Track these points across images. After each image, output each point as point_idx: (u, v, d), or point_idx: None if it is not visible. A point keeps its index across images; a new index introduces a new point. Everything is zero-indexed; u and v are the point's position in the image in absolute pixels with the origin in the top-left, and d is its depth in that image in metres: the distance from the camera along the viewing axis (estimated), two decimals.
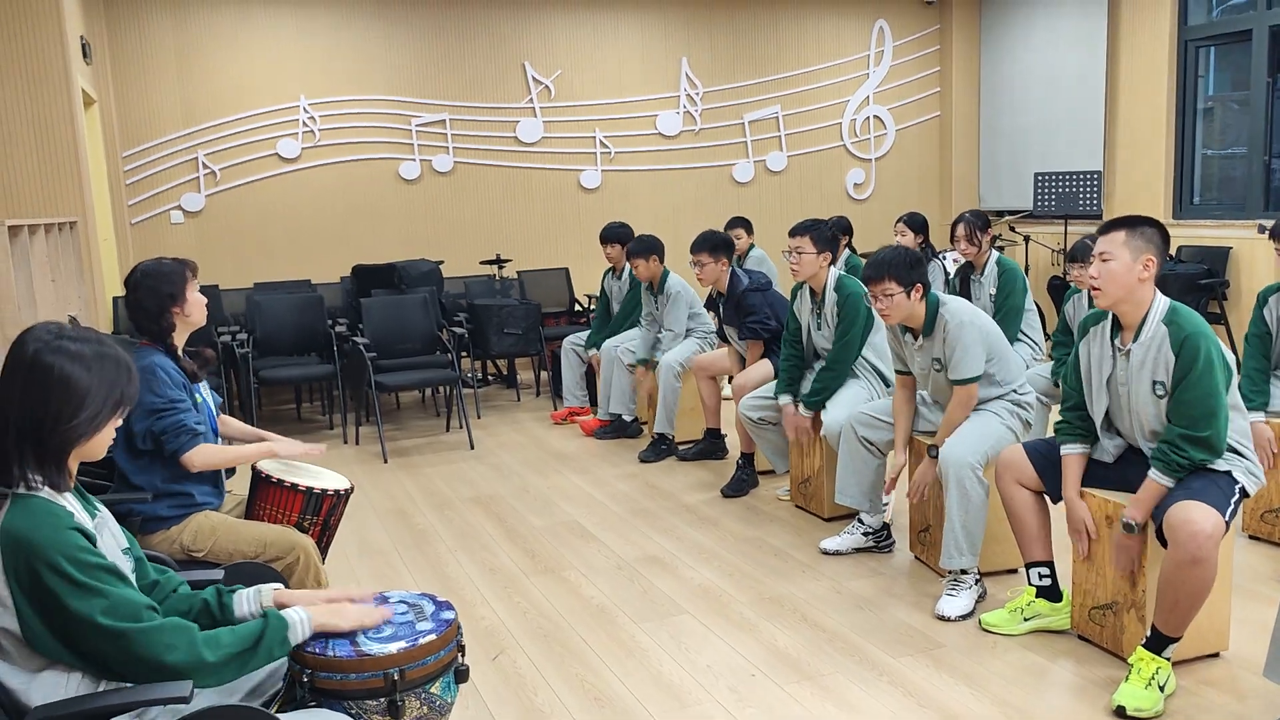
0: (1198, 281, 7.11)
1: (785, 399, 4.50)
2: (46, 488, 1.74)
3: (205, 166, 7.58)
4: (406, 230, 8.11)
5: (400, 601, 2.10)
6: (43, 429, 1.72)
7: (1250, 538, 4.01)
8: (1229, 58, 7.83)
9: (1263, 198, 7.45)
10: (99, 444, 1.80)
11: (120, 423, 1.83)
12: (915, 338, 3.67)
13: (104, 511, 1.90)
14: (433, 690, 1.94)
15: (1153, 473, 2.83)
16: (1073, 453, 3.11)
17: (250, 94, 7.63)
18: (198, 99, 7.52)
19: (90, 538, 1.74)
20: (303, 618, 1.89)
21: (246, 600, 2.01)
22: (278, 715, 1.77)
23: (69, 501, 1.78)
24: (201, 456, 2.89)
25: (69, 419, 1.74)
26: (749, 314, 4.94)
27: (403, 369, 6.22)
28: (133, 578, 1.84)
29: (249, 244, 7.73)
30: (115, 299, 6.95)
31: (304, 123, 7.76)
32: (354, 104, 7.89)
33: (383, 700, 1.88)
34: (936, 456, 3.57)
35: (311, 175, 7.85)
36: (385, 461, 5.80)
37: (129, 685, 1.71)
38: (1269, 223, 6.98)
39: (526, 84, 8.30)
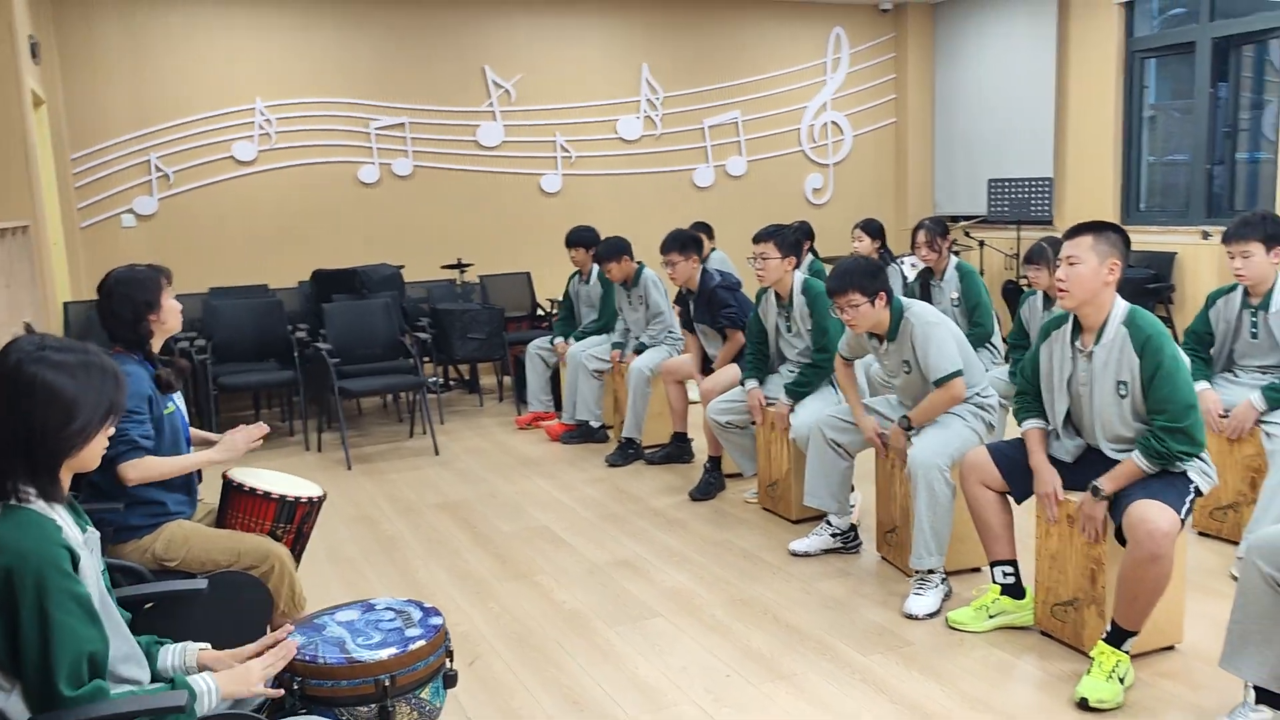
0: (1145, 286, 7.31)
1: (752, 383, 4.58)
2: (39, 500, 1.72)
3: (158, 169, 7.47)
4: (366, 234, 8.06)
5: (387, 609, 2.12)
6: (31, 441, 1.71)
7: (1200, 534, 4.15)
8: (1168, 67, 8.06)
9: (1205, 204, 7.68)
10: (91, 454, 1.78)
11: (112, 432, 1.81)
12: (881, 343, 3.75)
13: (94, 530, 1.87)
14: (422, 695, 1.96)
15: (1136, 455, 2.93)
16: (1034, 427, 3.22)
17: (204, 96, 7.54)
18: (150, 100, 7.41)
19: (75, 557, 1.72)
20: (210, 687, 1.83)
21: (172, 655, 1.98)
22: None
23: (60, 515, 1.76)
24: (136, 471, 2.79)
25: (57, 430, 1.72)
26: (723, 306, 5.00)
27: (366, 374, 6.19)
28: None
29: (203, 248, 7.63)
30: (66, 304, 6.83)
31: (260, 125, 7.69)
32: (311, 106, 7.83)
33: (374, 706, 1.90)
34: (908, 427, 3.66)
35: (268, 178, 7.77)
36: (349, 468, 5.77)
37: (126, 693, 1.70)
38: (1213, 228, 7.23)
39: (487, 87, 8.29)
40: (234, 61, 7.58)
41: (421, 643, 1.96)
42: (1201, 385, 3.96)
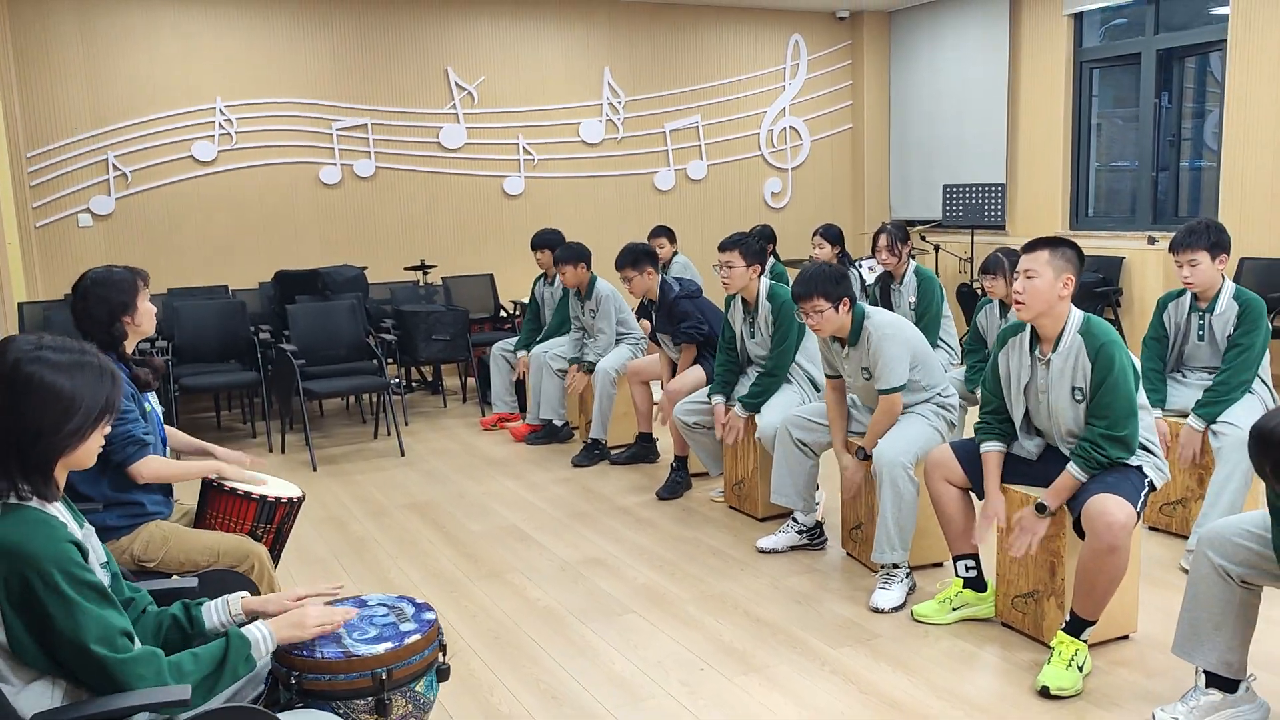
0: (1094, 290, 7.53)
1: (718, 399, 4.65)
2: (35, 498, 1.75)
3: (116, 168, 7.38)
4: (327, 235, 8.04)
5: (380, 604, 2.16)
6: (25, 439, 1.73)
7: (1150, 529, 4.30)
8: (1114, 77, 8.32)
9: (1151, 210, 7.93)
10: (87, 453, 1.81)
11: (108, 430, 1.84)
12: (843, 347, 3.85)
13: (89, 525, 1.91)
14: (417, 689, 2.01)
15: (1071, 467, 3.05)
16: (991, 450, 3.33)
17: (164, 95, 7.47)
18: (108, 99, 7.33)
19: (83, 551, 1.76)
20: (265, 634, 1.90)
21: (215, 611, 2.03)
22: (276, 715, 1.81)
23: (60, 512, 1.79)
24: (150, 468, 2.86)
25: (53, 429, 1.74)
26: (682, 319, 5.08)
27: (331, 375, 6.17)
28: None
29: (162, 249, 7.56)
30: (21, 305, 6.72)
31: (220, 125, 7.63)
32: (272, 107, 7.79)
33: (370, 699, 1.94)
34: (865, 458, 3.76)
35: (228, 179, 7.72)
36: (314, 470, 5.76)
37: (127, 691, 1.73)
38: (1159, 234, 7.47)
39: (450, 89, 8.31)
40: (194, 61, 7.52)
41: (416, 637, 2.00)
42: (1155, 413, 4.05)
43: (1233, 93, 7.05)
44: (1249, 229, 6.95)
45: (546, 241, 6.33)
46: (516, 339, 6.59)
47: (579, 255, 5.82)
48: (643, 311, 5.58)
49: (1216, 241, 3.97)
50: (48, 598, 1.69)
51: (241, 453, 3.14)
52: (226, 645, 1.85)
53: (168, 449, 3.11)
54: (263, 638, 1.90)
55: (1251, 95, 6.94)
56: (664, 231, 7.23)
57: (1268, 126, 6.87)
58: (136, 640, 1.79)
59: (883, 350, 3.69)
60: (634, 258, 5.23)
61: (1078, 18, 8.20)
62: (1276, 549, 2.48)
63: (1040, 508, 3.11)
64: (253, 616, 2.04)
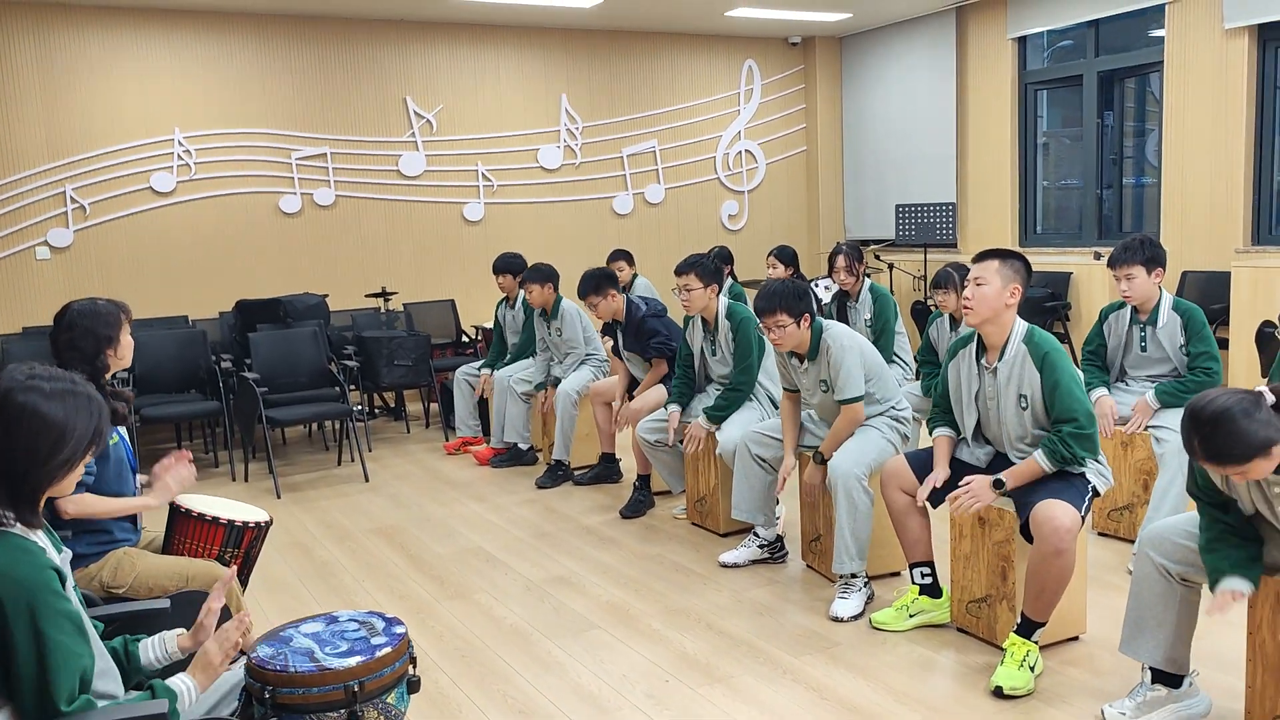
0: (1043, 305, 7.73)
1: (674, 408, 4.75)
2: (19, 524, 1.78)
3: (74, 200, 7.36)
4: (288, 264, 8.05)
5: (351, 620, 2.21)
6: (17, 467, 1.76)
7: (1099, 534, 4.45)
8: (1059, 98, 8.58)
9: (1096, 226, 8.16)
10: (71, 481, 1.85)
11: (92, 460, 1.88)
12: (801, 361, 3.96)
13: (66, 550, 1.94)
14: (389, 700, 2.06)
15: (1038, 455, 3.18)
16: (943, 434, 3.50)
17: (121, 126, 7.46)
18: (64, 131, 7.31)
19: (62, 577, 1.79)
20: (188, 686, 1.91)
21: (151, 648, 2.07)
22: None
23: (40, 539, 1.82)
24: (76, 506, 2.82)
25: (45, 458, 1.77)
26: (651, 336, 5.17)
27: (293, 403, 6.18)
28: None
29: (121, 280, 7.53)
30: None
31: (179, 156, 7.63)
32: (232, 137, 7.80)
33: (343, 712, 1.99)
34: (823, 463, 3.86)
35: (187, 209, 7.71)
36: (278, 497, 5.76)
37: (111, 703, 1.76)
38: (1104, 250, 7.69)
39: (408, 118, 8.38)
40: (152, 92, 7.53)
41: (387, 649, 2.06)
42: (1100, 392, 4.27)
43: (1170, 112, 7.30)
44: (1189, 244, 7.19)
45: (508, 265, 6.40)
46: (481, 363, 6.64)
47: (546, 276, 5.90)
48: (607, 330, 5.65)
49: (1151, 256, 4.14)
50: (18, 624, 1.71)
51: (168, 472, 3.00)
52: (152, 694, 1.86)
53: (137, 478, 3.13)
54: (187, 690, 1.90)
55: (1188, 114, 7.20)
56: (622, 255, 7.33)
57: (1204, 144, 7.13)
58: (88, 684, 1.79)
59: (842, 362, 3.80)
60: (595, 284, 5.30)
61: (1021, 41, 8.45)
62: (1200, 531, 2.62)
63: (998, 483, 3.22)
64: (189, 654, 2.07)
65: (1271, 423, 2.25)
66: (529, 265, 6.10)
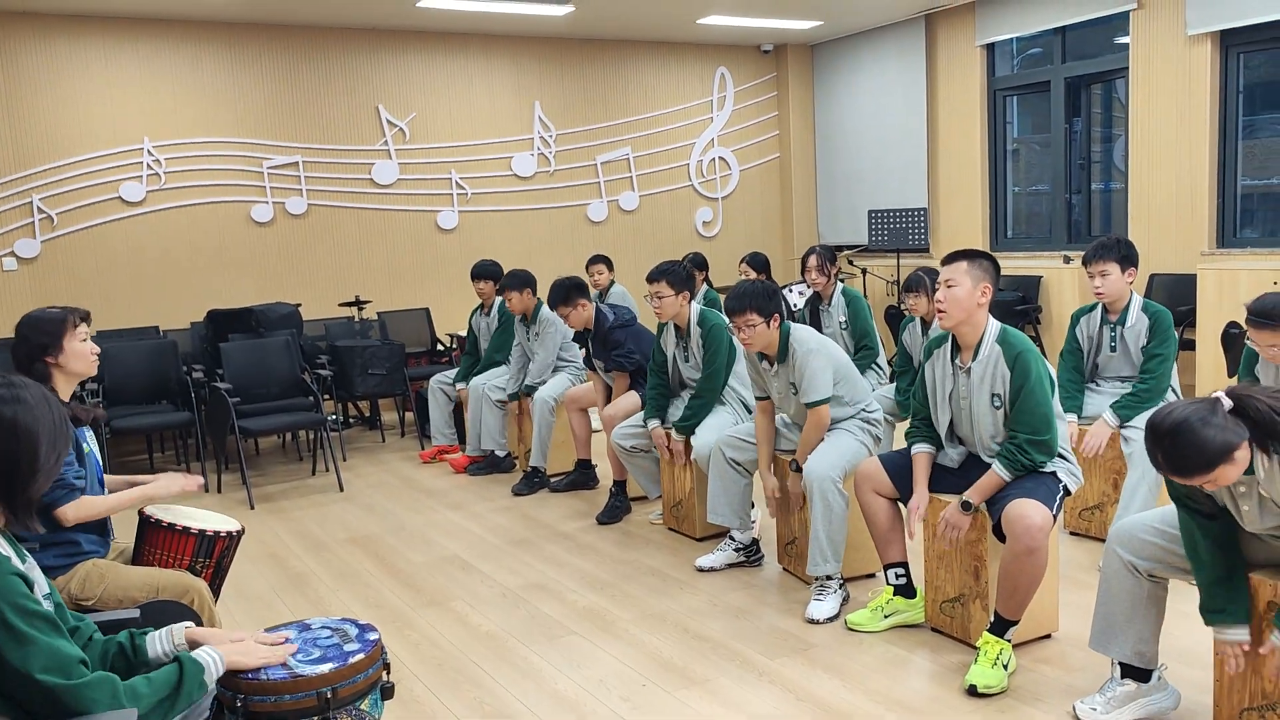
0: (1014, 308, 7.81)
1: (654, 423, 4.75)
2: None
3: (41, 211, 7.28)
4: (260, 273, 8.00)
5: (323, 627, 2.20)
6: (15, 478, 1.76)
7: (1071, 533, 4.49)
8: (1028, 104, 8.68)
9: (1066, 231, 8.26)
10: (42, 489, 1.83)
11: (77, 465, 1.87)
12: (771, 364, 3.98)
13: (31, 559, 1.92)
14: (362, 707, 2.05)
15: (996, 466, 3.21)
16: (920, 451, 3.50)
17: (89, 136, 7.40)
18: (31, 140, 7.24)
19: (29, 583, 1.78)
20: (215, 658, 1.95)
21: (159, 641, 2.06)
22: None
23: (2, 544, 1.80)
24: (76, 511, 2.79)
25: (29, 468, 1.77)
26: (615, 348, 5.17)
27: (266, 413, 6.14)
28: None
29: (90, 291, 7.45)
30: None
31: (148, 165, 7.57)
32: (202, 146, 7.75)
33: (316, 719, 1.98)
34: (799, 470, 3.88)
35: (157, 219, 7.65)
36: (252, 508, 5.71)
37: (82, 716, 1.75)
38: (1074, 253, 7.78)
39: (381, 126, 8.35)
40: (121, 100, 7.47)
41: (360, 656, 2.05)
42: (1070, 417, 4.26)
43: (1136, 118, 7.41)
44: (1156, 247, 7.29)
45: (486, 272, 6.39)
46: (456, 372, 6.62)
47: (523, 281, 5.90)
48: (577, 338, 5.66)
49: (1126, 255, 4.20)
50: None
51: (176, 473, 3.08)
52: (181, 669, 1.89)
53: (104, 487, 3.10)
54: (213, 661, 1.94)
55: (1153, 119, 7.30)
56: (601, 259, 7.35)
57: (1169, 149, 7.23)
58: (91, 666, 1.81)
59: (808, 364, 3.82)
60: (565, 294, 5.28)
61: (990, 48, 8.54)
62: (1182, 534, 2.64)
63: (965, 505, 3.25)
64: (194, 646, 2.06)
65: (1229, 427, 2.26)
66: (503, 274, 6.10)
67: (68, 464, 2.84)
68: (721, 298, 7.01)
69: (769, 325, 3.83)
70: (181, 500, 3.14)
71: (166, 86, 7.61)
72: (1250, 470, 2.35)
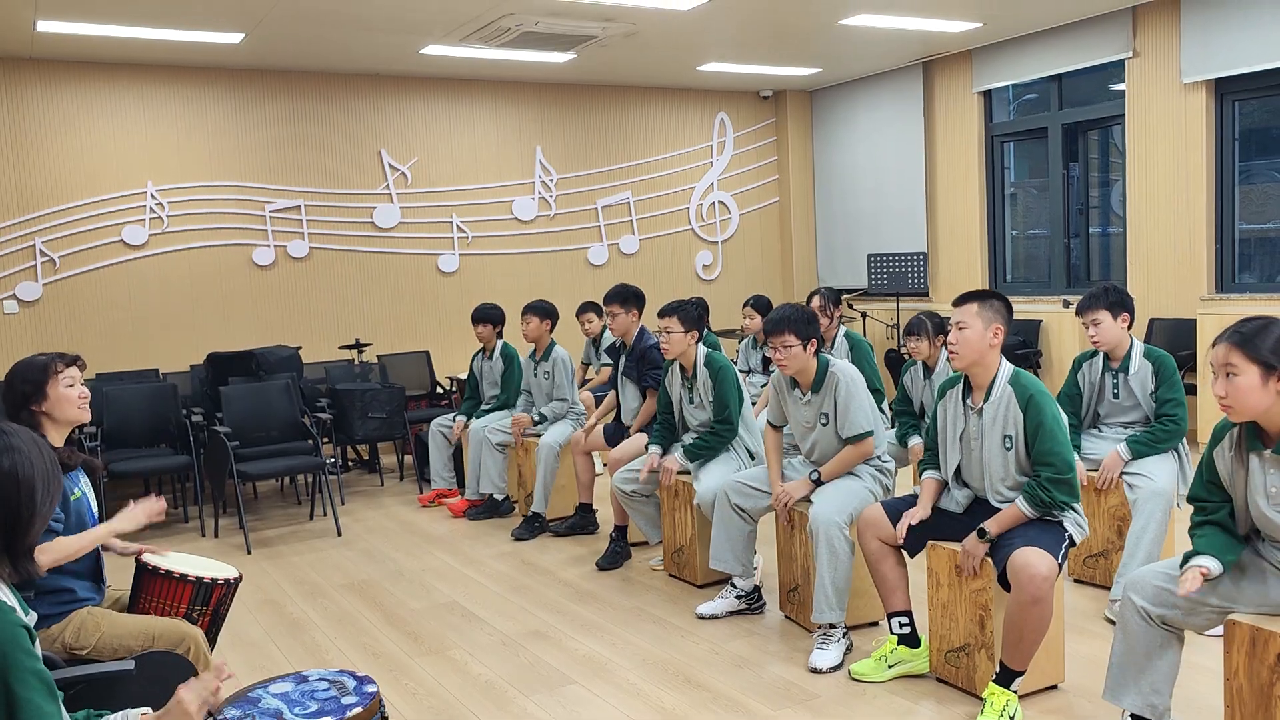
0: (1015, 352, 7.81)
1: (655, 448, 4.73)
2: None
3: (43, 254, 7.30)
4: (261, 316, 8.01)
5: (321, 679, 2.16)
6: (16, 526, 1.74)
7: (1075, 581, 4.44)
8: (1025, 149, 8.75)
9: (1065, 275, 8.29)
10: (37, 535, 1.82)
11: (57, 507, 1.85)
12: (804, 393, 3.96)
13: (32, 612, 1.89)
14: None
15: (1020, 501, 3.19)
16: (932, 477, 3.50)
17: (94, 180, 7.45)
18: (36, 184, 7.28)
19: (31, 635, 1.75)
20: None
21: None
22: None
23: (9, 597, 1.78)
24: (49, 554, 2.73)
25: (29, 516, 1.76)
26: (653, 367, 5.17)
27: (265, 457, 6.11)
28: None
29: (91, 333, 7.46)
30: None
31: (151, 209, 7.61)
32: (205, 190, 7.80)
33: None
34: (818, 480, 3.86)
35: (159, 262, 7.68)
36: (249, 553, 5.67)
37: None
38: (1073, 298, 7.80)
39: (383, 170, 8.41)
40: (126, 145, 7.53)
41: (358, 709, 2.02)
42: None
43: (1133, 164, 7.46)
44: (1155, 292, 7.31)
45: (486, 315, 6.38)
46: (455, 414, 6.60)
47: (547, 313, 5.92)
48: (609, 351, 5.61)
49: (1116, 301, 4.20)
50: None
51: (141, 502, 2.99)
52: None
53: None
54: None
55: (1150, 166, 7.36)
56: (591, 307, 7.34)
57: (1167, 195, 7.27)
58: None
59: (854, 394, 3.82)
60: (623, 298, 5.26)
61: (987, 94, 8.63)
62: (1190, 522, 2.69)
63: (981, 533, 3.22)
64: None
65: None
66: (502, 318, 6.11)
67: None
68: (721, 341, 7.04)
69: (805, 349, 3.83)
70: (168, 540, 3.10)
71: (170, 131, 7.67)
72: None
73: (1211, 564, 2.60)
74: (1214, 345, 2.52)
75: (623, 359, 5.40)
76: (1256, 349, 2.43)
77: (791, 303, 4.00)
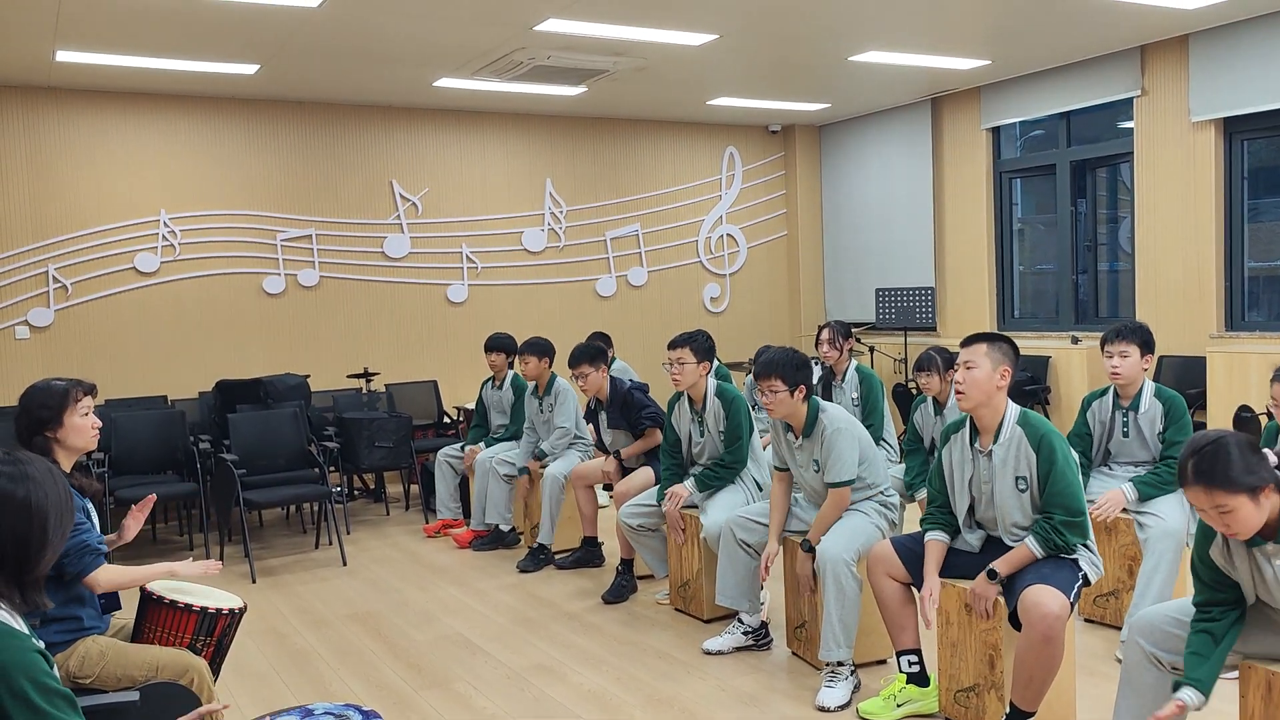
0: (1023, 388, 7.78)
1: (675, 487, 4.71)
2: (3, 609, 1.74)
3: (56, 280, 7.35)
4: (270, 344, 8.03)
5: (326, 713, 2.15)
6: (26, 555, 1.74)
7: (1086, 620, 4.40)
8: (1033, 185, 8.78)
9: (1073, 311, 8.28)
10: (49, 563, 1.82)
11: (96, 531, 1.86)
12: (796, 437, 3.95)
13: (40, 639, 1.89)
14: None
15: (1029, 541, 3.17)
16: (935, 539, 3.45)
17: (107, 208, 7.50)
18: (50, 212, 7.34)
19: (49, 660, 1.75)
20: None
21: None
22: None
23: (19, 623, 1.78)
24: (106, 576, 2.80)
25: (40, 544, 1.76)
26: (642, 407, 5.16)
27: (272, 485, 6.10)
28: None
29: (101, 359, 7.48)
30: None
31: (164, 236, 7.66)
32: (217, 218, 7.85)
33: None
34: (811, 551, 3.83)
35: (170, 289, 7.72)
36: (254, 581, 5.64)
37: None
38: (1081, 334, 7.79)
39: (394, 200, 8.46)
40: (139, 173, 7.59)
41: None
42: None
43: (1141, 201, 7.48)
44: (1164, 329, 7.28)
45: (500, 344, 6.40)
46: (462, 444, 6.59)
47: (544, 350, 5.92)
48: (588, 414, 5.64)
49: (1146, 340, 4.22)
50: (16, 709, 1.68)
51: (210, 561, 3.08)
52: None
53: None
54: None
55: (1159, 203, 7.37)
56: (600, 337, 7.32)
57: (1175, 232, 7.28)
58: None
59: (835, 444, 3.79)
60: (590, 356, 5.32)
61: (995, 131, 8.67)
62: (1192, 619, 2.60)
63: (991, 573, 3.20)
64: None
65: (1265, 470, 2.29)
66: (515, 346, 6.12)
67: (88, 529, 2.82)
68: (730, 373, 7.03)
69: (792, 395, 3.82)
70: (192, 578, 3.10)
71: (184, 160, 7.74)
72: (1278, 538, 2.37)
73: (1192, 699, 2.51)
74: (1183, 487, 2.41)
75: (603, 415, 5.39)
76: (1232, 481, 2.32)
77: (783, 346, 3.99)
